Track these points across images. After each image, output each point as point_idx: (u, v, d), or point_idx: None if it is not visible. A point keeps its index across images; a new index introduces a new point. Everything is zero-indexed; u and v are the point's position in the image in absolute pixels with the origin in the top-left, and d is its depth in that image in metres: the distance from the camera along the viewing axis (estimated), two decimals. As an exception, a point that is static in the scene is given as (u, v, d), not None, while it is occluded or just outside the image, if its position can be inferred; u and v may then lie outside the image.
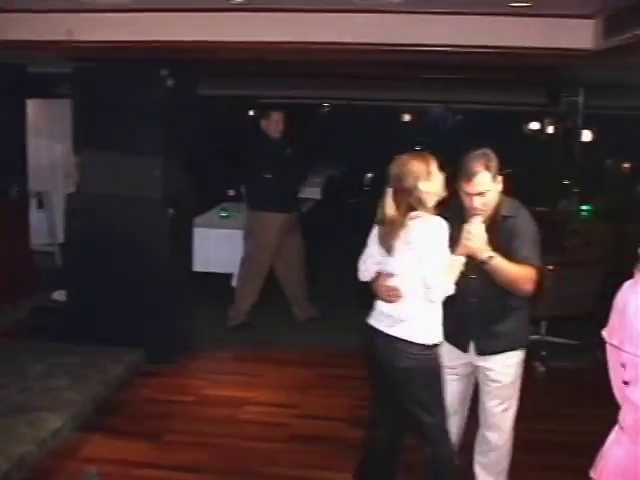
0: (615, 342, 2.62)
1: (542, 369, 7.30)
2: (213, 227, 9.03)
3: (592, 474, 2.81)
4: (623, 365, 2.61)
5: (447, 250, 4.09)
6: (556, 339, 7.50)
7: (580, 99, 11.37)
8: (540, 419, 6.05)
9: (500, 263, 4.16)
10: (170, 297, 7.14)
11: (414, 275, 4.11)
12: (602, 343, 2.78)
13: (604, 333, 2.71)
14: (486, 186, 4.19)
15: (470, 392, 4.76)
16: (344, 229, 8.07)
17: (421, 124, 18.13)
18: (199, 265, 8.24)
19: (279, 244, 8.25)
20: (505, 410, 4.56)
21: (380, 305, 4.32)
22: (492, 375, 4.48)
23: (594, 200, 11.20)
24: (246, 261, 8.35)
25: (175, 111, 6.98)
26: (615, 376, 2.71)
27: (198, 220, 8.57)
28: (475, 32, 6.66)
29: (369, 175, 16.58)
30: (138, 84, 6.88)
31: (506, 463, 4.70)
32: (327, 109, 17.82)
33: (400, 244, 4.14)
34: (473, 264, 4.21)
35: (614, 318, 2.64)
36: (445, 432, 4.35)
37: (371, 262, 4.37)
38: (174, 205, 7.06)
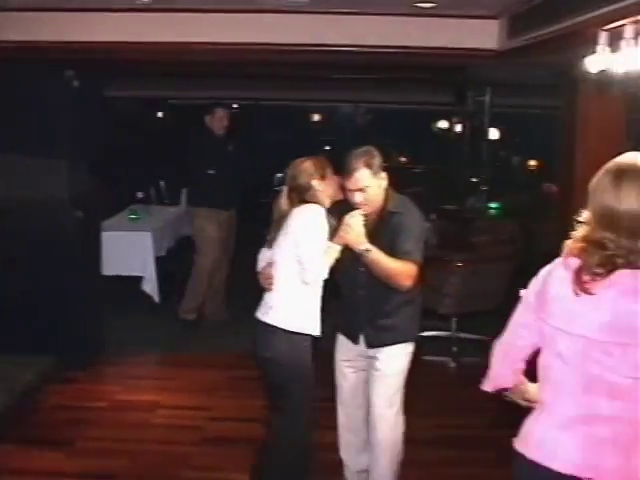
0: (535, 304, 2.74)
1: (453, 365, 7.41)
2: (122, 230, 8.89)
3: (516, 445, 2.85)
4: (538, 333, 2.76)
5: (324, 236, 4.25)
6: (466, 335, 7.63)
7: (487, 98, 11.57)
8: (451, 414, 6.14)
9: (377, 256, 4.23)
10: (80, 301, 7.00)
11: (290, 261, 4.28)
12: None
13: (524, 291, 2.83)
14: (365, 182, 4.27)
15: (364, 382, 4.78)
16: (254, 229, 8.02)
17: (331, 124, 18.19)
18: (108, 269, 8.11)
19: (222, 239, 8.25)
20: (389, 401, 4.57)
21: (266, 296, 4.46)
22: (378, 365, 4.53)
23: (502, 198, 11.39)
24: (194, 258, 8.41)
25: (81, 112, 6.85)
26: (515, 324, 2.88)
27: (107, 223, 8.44)
28: (382, 32, 6.72)
29: (279, 175, 16.54)
30: (43, 85, 6.73)
31: (396, 456, 4.67)
32: (236, 109, 17.73)
33: (281, 233, 4.33)
34: (358, 255, 4.30)
35: (533, 289, 2.78)
36: (310, 424, 4.47)
37: (263, 256, 4.55)
38: (82, 207, 6.93)
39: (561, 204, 7.63)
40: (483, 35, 6.74)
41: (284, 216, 4.34)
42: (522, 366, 2.93)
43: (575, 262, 2.61)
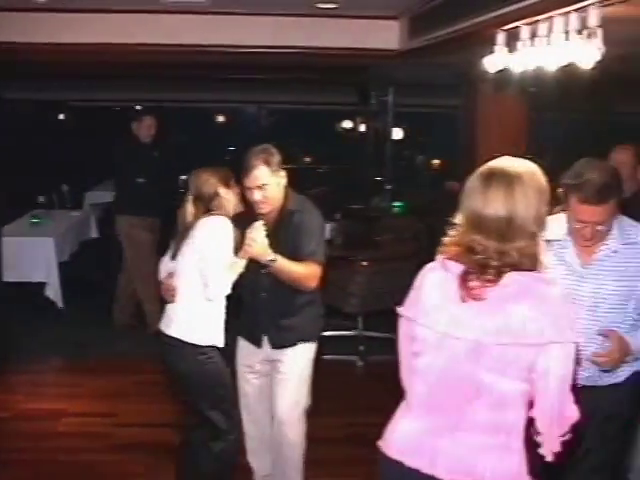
0: (410, 315, 2.74)
1: (360, 364, 7.45)
2: (23, 235, 8.69)
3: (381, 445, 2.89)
4: (414, 338, 2.73)
5: (230, 249, 4.23)
6: (373, 333, 7.66)
7: (390, 98, 11.65)
8: (360, 413, 6.17)
9: (283, 264, 4.26)
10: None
11: (194, 274, 4.25)
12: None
13: (399, 308, 2.82)
14: (264, 180, 4.28)
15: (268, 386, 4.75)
16: (160, 232, 7.94)
17: (235, 125, 18.13)
18: (10, 275, 7.93)
19: (153, 243, 8.13)
20: (296, 403, 4.57)
21: (168, 307, 4.43)
22: (281, 368, 4.53)
23: (406, 196, 11.50)
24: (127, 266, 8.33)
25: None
26: (404, 347, 2.86)
27: (7, 228, 8.24)
28: (284, 33, 6.72)
29: (183, 177, 16.40)
30: None
31: (300, 458, 4.66)
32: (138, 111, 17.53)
33: (186, 244, 4.29)
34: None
35: (412, 294, 2.79)
36: (234, 430, 4.45)
37: (165, 266, 4.52)
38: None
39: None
40: (384, 35, 6.81)
41: (189, 227, 4.29)
42: None
43: (456, 266, 2.63)
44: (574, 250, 3.63)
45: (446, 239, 2.69)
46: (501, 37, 4.56)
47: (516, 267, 2.56)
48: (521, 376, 2.56)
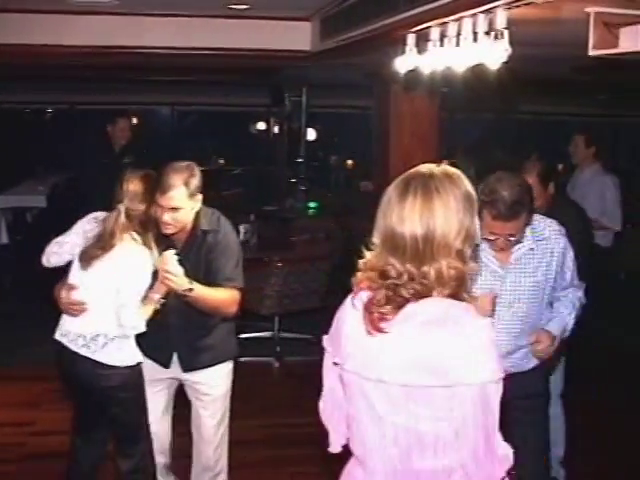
0: (330, 349, 2.51)
1: (277, 365, 7.44)
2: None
3: None
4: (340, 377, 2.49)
5: (147, 284, 3.98)
6: (289, 334, 7.68)
7: (303, 99, 11.69)
8: (278, 414, 6.17)
9: (201, 292, 3.98)
10: None
11: (109, 296, 3.95)
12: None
13: (324, 339, 2.57)
14: (179, 203, 3.95)
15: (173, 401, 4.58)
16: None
17: (148, 127, 17.93)
18: None
19: None
20: (219, 423, 4.43)
21: (68, 321, 4.12)
22: (203, 389, 4.34)
23: (320, 197, 11.54)
24: None
25: None
26: (328, 379, 2.61)
27: None
28: (197, 34, 6.70)
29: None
30: None
31: (224, 476, 4.56)
32: (50, 114, 17.19)
33: (102, 262, 3.99)
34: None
35: (333, 326, 2.52)
36: (150, 446, 4.29)
37: (67, 251, 4.16)
38: None
39: (377, 202, 7.80)
40: (296, 37, 6.81)
41: (111, 244, 3.98)
42: None
43: (366, 296, 2.32)
44: (491, 252, 3.74)
45: (361, 263, 2.37)
46: (411, 38, 4.60)
47: (431, 292, 2.24)
48: (441, 417, 2.23)
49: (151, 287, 4.00)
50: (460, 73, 4.14)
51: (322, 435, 2.67)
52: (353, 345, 2.35)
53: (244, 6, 6.19)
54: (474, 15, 3.81)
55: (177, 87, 12.68)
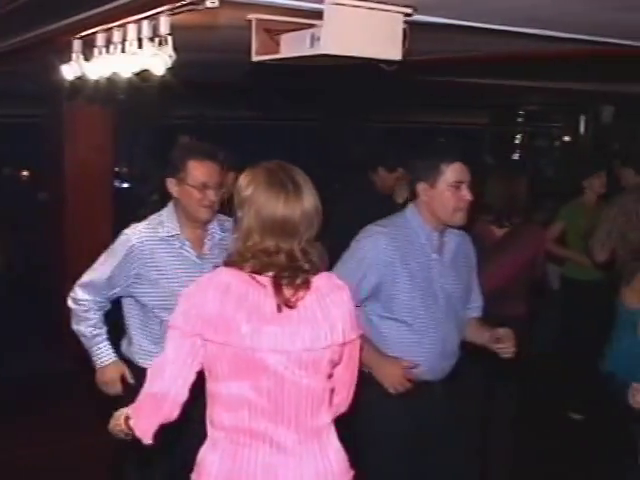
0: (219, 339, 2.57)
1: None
2: None
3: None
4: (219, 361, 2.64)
5: None
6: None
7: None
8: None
9: None
10: None
11: None
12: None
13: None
14: None
15: None
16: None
17: None
18: None
19: None
20: None
21: None
22: None
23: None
24: None
25: None
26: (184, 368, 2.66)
27: None
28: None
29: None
30: None
31: None
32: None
33: None
34: None
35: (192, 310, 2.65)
36: None
37: None
38: None
39: (52, 212, 7.62)
40: None
41: None
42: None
43: (262, 278, 2.53)
44: (189, 244, 3.85)
45: (234, 249, 2.60)
46: (77, 44, 4.52)
47: (319, 268, 2.59)
48: (327, 372, 2.64)
49: None
50: (126, 80, 4.15)
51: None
52: (257, 321, 2.50)
53: None
54: (138, 21, 3.81)
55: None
